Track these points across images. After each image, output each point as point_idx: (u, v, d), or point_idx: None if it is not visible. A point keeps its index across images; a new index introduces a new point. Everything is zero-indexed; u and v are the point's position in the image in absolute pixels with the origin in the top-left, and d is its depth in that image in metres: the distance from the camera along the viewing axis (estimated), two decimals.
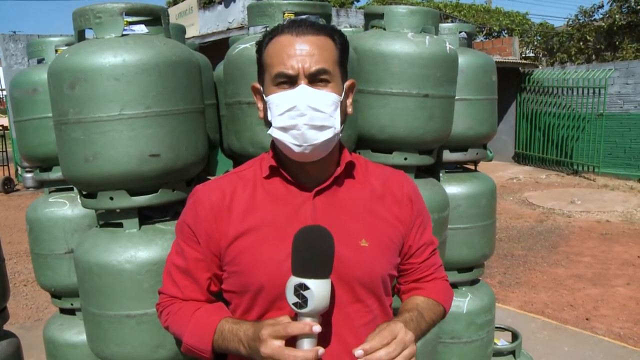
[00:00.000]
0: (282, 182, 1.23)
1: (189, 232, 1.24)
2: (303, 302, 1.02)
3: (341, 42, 1.19)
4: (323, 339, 1.10)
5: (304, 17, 1.23)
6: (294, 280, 1.03)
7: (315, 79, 1.13)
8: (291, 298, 1.03)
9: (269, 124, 1.17)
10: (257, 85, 1.22)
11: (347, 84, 1.21)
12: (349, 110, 1.23)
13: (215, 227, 1.21)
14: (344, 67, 1.20)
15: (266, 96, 1.16)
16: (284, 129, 1.13)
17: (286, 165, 1.22)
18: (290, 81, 1.13)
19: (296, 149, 1.13)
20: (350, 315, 1.19)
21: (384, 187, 1.28)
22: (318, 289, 1.02)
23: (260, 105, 1.23)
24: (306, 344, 1.04)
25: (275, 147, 1.24)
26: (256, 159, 1.30)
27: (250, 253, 1.18)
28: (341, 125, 1.18)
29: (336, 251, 1.12)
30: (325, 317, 1.14)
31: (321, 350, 1.04)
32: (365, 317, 1.21)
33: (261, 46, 1.19)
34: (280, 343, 1.03)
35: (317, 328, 1.03)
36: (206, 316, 1.22)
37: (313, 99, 1.11)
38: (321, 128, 1.12)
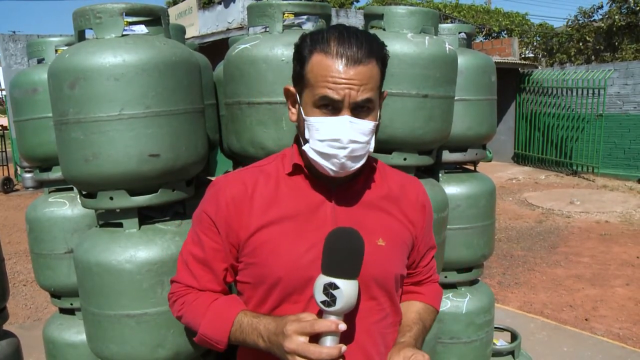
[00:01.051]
0: (304, 179, 1.25)
1: (208, 222, 1.24)
2: (332, 300, 1.04)
3: (383, 59, 1.17)
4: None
5: (349, 28, 1.20)
6: (324, 279, 1.05)
7: (358, 108, 1.13)
8: (320, 296, 1.05)
9: (304, 139, 1.18)
10: (293, 90, 1.21)
11: (382, 98, 1.22)
12: (379, 121, 1.22)
13: (235, 218, 1.22)
14: (382, 83, 1.20)
15: (305, 115, 1.16)
16: (323, 155, 1.15)
17: (309, 165, 1.24)
18: (333, 106, 1.12)
19: (332, 173, 1.17)
20: (364, 312, 1.21)
21: (400, 191, 1.31)
22: (347, 289, 1.04)
23: (292, 109, 1.23)
24: (329, 342, 1.05)
25: (299, 143, 1.25)
26: (277, 155, 1.31)
27: (270, 246, 1.19)
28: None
29: None
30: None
31: (344, 347, 1.06)
32: (378, 314, 1.24)
33: (302, 53, 1.16)
34: (304, 339, 1.05)
35: (342, 326, 1.05)
36: (224, 308, 1.23)
37: (356, 132, 1.13)
38: (359, 158, 1.16)
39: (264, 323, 1.14)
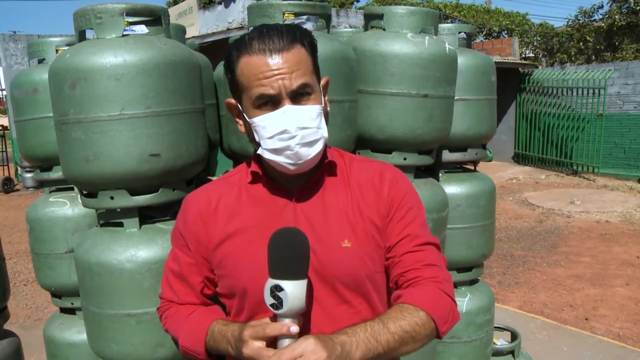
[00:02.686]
0: (265, 186, 1.24)
1: (180, 238, 1.28)
2: (279, 303, 1.04)
3: (310, 44, 1.16)
4: None
5: (269, 25, 1.20)
6: (270, 282, 1.05)
7: (297, 95, 1.12)
8: (268, 299, 1.05)
9: (256, 144, 1.17)
10: (234, 102, 1.21)
11: (322, 84, 1.20)
12: (328, 108, 1.22)
13: (203, 232, 1.24)
14: (317, 69, 1.19)
15: (249, 118, 1.15)
16: (276, 151, 1.13)
17: (269, 170, 1.23)
18: (272, 101, 1.12)
19: (291, 167, 1.15)
20: (337, 317, 1.18)
21: (366, 183, 1.24)
22: (292, 290, 1.03)
23: (239, 120, 1.23)
24: (287, 344, 1.04)
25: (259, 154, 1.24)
26: (243, 164, 1.31)
27: (234, 256, 1.20)
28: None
29: (317, 252, 1.14)
30: (311, 319, 1.16)
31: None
32: (353, 319, 1.17)
33: (231, 64, 1.16)
34: (261, 344, 1.04)
35: (294, 329, 1.04)
36: (199, 319, 1.25)
37: (301, 118, 1.11)
38: (312, 143, 1.14)
39: (231, 330, 1.14)
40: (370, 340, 1.04)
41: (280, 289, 1.03)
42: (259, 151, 1.16)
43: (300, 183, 1.22)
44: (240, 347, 1.07)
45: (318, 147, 1.15)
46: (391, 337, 1.06)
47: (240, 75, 1.14)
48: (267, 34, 1.12)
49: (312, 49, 1.17)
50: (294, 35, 1.13)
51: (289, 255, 1.06)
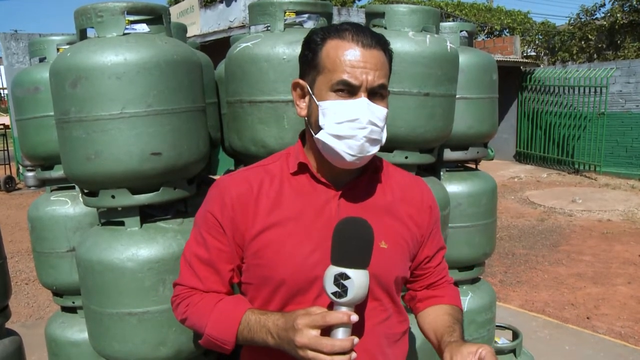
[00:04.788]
0: (308, 179, 1.24)
1: (214, 222, 1.23)
2: (343, 291, 1.03)
3: (390, 55, 1.21)
4: None
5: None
6: (334, 270, 1.04)
7: (374, 93, 1.14)
8: (330, 287, 1.04)
9: (317, 128, 1.17)
10: (303, 83, 1.21)
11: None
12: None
13: (241, 219, 1.21)
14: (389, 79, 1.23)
15: (319, 100, 1.15)
16: (339, 137, 1.13)
17: (313, 163, 1.24)
18: (350, 90, 1.13)
19: (348, 158, 1.15)
20: (368, 313, 1.21)
21: (405, 192, 1.30)
22: (358, 279, 1.03)
23: (301, 103, 1.23)
24: (341, 334, 1.04)
25: (304, 144, 1.26)
26: (282, 153, 1.30)
27: (275, 247, 1.19)
28: None
29: None
30: None
31: (356, 339, 1.04)
32: (381, 315, 1.24)
33: (313, 44, 1.17)
34: (316, 333, 1.03)
35: (354, 317, 1.03)
36: (230, 307, 1.21)
37: (374, 114, 1.14)
38: (375, 142, 1.16)
39: (272, 319, 1.12)
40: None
41: (347, 277, 1.03)
42: (318, 135, 1.15)
43: (344, 181, 1.23)
44: (290, 336, 1.05)
45: (377, 148, 1.18)
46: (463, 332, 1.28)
47: (325, 56, 1.15)
48: (360, 28, 1.16)
49: (390, 58, 1.21)
50: (382, 40, 1.18)
51: (357, 244, 1.06)
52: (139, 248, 1.56)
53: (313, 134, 1.18)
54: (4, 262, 1.94)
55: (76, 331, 2.00)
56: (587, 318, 4.44)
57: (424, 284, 1.38)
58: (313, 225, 1.18)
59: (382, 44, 1.17)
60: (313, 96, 1.17)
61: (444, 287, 1.40)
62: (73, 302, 2.04)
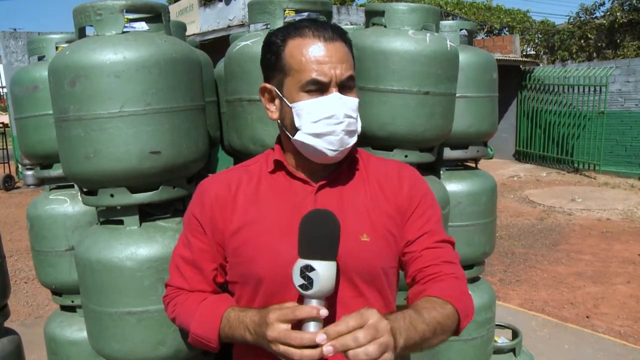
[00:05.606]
0: (286, 177, 1.25)
1: (195, 223, 1.26)
2: (309, 283, 1.03)
3: (350, 44, 1.21)
4: None
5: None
6: (300, 263, 1.05)
7: (344, 86, 1.15)
8: (297, 280, 1.04)
9: (290, 130, 1.17)
10: (270, 87, 1.21)
11: None
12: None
13: (220, 218, 1.23)
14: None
15: (290, 102, 1.15)
16: (319, 135, 1.14)
17: (291, 161, 1.24)
18: (321, 88, 1.13)
19: (330, 154, 1.16)
20: (353, 309, 1.17)
21: (385, 179, 1.27)
22: (323, 270, 1.03)
23: (271, 106, 1.22)
24: (312, 328, 1.04)
25: (281, 143, 1.26)
26: (263, 155, 1.31)
27: (252, 244, 1.20)
28: None
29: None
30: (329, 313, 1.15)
31: (324, 336, 1.02)
32: None
33: (275, 46, 1.17)
34: (286, 327, 1.03)
35: (324, 312, 1.03)
36: (213, 305, 1.23)
37: (348, 106, 1.15)
38: (352, 133, 1.18)
39: (249, 316, 1.13)
40: (409, 328, 1.04)
41: (312, 269, 1.03)
42: (297, 136, 1.16)
43: (322, 176, 1.23)
44: (263, 331, 1.05)
45: (355, 138, 1.19)
46: (426, 327, 1.07)
47: (289, 56, 1.15)
48: (318, 23, 1.16)
49: (351, 48, 1.21)
50: (341, 30, 1.18)
51: (322, 235, 1.05)
52: (138, 247, 1.56)
53: (290, 136, 1.19)
54: (3, 261, 1.94)
55: (75, 330, 2.00)
56: (587, 317, 4.45)
57: (412, 271, 1.24)
58: (290, 222, 1.15)
59: (342, 35, 1.17)
60: (284, 99, 1.17)
61: (434, 279, 1.19)
62: (72, 301, 2.04)
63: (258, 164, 1.29)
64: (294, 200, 1.22)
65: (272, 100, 1.22)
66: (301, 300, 1.08)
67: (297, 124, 1.15)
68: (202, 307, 1.23)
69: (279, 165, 1.25)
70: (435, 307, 1.11)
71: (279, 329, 1.03)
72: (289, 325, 1.03)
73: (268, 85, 1.21)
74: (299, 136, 1.16)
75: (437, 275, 1.20)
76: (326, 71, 1.12)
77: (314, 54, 1.12)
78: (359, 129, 1.20)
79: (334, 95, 1.13)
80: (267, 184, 1.25)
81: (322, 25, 1.16)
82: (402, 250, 1.26)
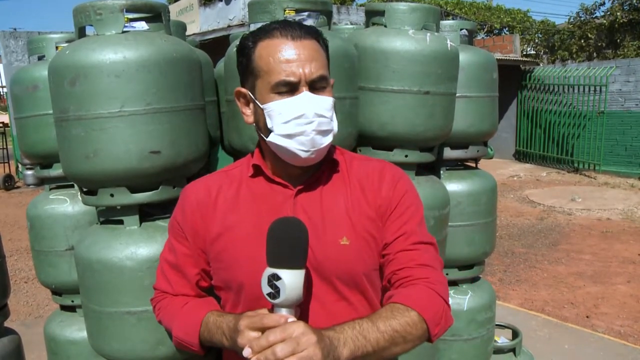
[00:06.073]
0: (265, 181, 1.24)
1: (178, 229, 1.28)
2: (276, 292, 1.03)
3: (325, 43, 1.20)
4: None
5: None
6: (268, 271, 1.05)
7: (315, 85, 1.13)
8: (265, 288, 1.05)
9: (265, 132, 1.17)
10: (244, 90, 1.20)
11: (331, 83, 1.21)
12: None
13: (201, 223, 1.24)
14: (329, 68, 1.21)
15: (262, 104, 1.15)
16: (290, 136, 1.13)
17: (270, 165, 1.24)
18: (291, 88, 1.12)
19: (303, 155, 1.14)
20: (336, 314, 1.18)
21: (366, 181, 1.24)
22: (289, 280, 1.03)
23: (247, 110, 1.22)
24: None
25: (261, 147, 1.26)
26: (244, 159, 1.31)
27: (231, 250, 1.20)
28: None
29: (315, 249, 1.14)
30: (310, 315, 1.16)
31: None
32: (351, 316, 1.14)
33: (246, 49, 1.17)
34: (256, 334, 1.02)
35: (291, 320, 1.03)
36: (194, 310, 1.24)
37: (318, 106, 1.13)
38: (325, 133, 1.15)
39: (226, 321, 1.13)
40: (358, 338, 1.02)
41: (278, 277, 1.03)
42: (269, 138, 1.15)
43: (302, 179, 1.22)
44: (236, 337, 1.06)
45: (330, 138, 1.17)
46: (381, 336, 1.05)
47: (258, 59, 1.14)
48: (287, 23, 1.15)
49: (325, 46, 1.19)
50: (313, 30, 1.17)
51: (288, 244, 1.05)
52: (138, 247, 1.56)
53: (265, 138, 1.18)
54: (2, 261, 1.94)
55: (75, 330, 1.99)
56: (587, 317, 4.45)
57: (387, 273, 1.21)
58: (268, 228, 1.13)
59: (312, 33, 1.15)
60: (256, 101, 1.17)
61: (409, 284, 1.16)
62: (72, 301, 2.03)
63: (239, 168, 1.29)
64: (273, 204, 1.21)
65: (247, 104, 1.22)
66: (272, 307, 1.07)
67: (269, 125, 1.15)
68: (183, 312, 1.25)
69: (257, 170, 1.24)
70: (395, 316, 1.08)
71: (248, 336, 1.03)
72: (259, 333, 1.02)
73: (242, 90, 1.21)
74: (271, 138, 1.15)
75: (407, 280, 1.16)
76: (294, 70, 1.11)
77: (280, 52, 1.11)
78: (335, 129, 1.18)
79: (304, 94, 1.12)
80: (248, 188, 1.24)
81: (291, 24, 1.15)
82: (381, 252, 1.23)
